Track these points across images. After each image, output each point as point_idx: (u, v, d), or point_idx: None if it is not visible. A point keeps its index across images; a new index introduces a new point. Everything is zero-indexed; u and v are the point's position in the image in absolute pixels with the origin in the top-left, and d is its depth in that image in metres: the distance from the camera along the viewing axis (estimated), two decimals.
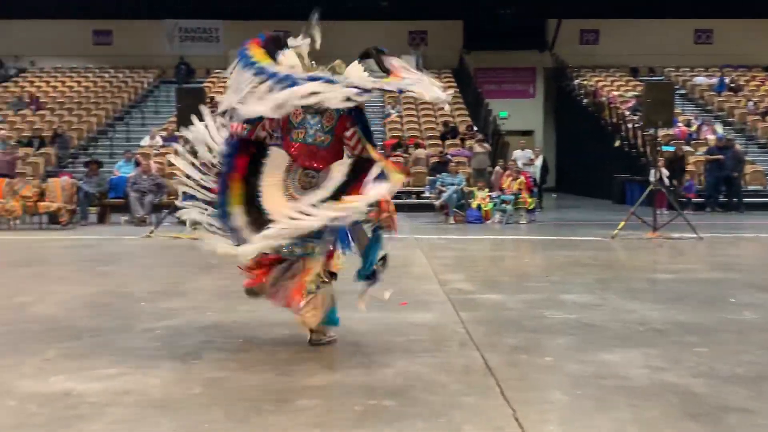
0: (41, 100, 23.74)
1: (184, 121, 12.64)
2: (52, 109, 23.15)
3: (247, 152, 4.35)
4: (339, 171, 4.26)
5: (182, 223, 12.30)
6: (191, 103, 12.24)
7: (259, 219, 4.18)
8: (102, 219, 14.80)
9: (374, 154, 4.21)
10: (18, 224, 13.63)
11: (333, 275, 4.51)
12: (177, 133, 19.27)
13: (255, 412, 3.32)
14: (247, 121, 4.31)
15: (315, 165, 4.29)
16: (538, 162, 19.60)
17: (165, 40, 28.28)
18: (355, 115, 4.31)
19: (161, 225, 12.08)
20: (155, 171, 15.36)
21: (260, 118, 4.26)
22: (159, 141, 19.59)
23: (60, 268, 8.37)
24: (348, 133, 4.34)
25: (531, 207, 14.85)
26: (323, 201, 4.09)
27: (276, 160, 4.31)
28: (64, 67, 27.51)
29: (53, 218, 13.60)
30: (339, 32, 27.60)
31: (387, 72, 4.29)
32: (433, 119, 22.49)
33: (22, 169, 16.36)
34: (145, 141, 19.90)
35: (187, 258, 9.15)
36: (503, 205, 14.60)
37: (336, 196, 4.11)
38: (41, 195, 13.74)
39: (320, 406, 3.41)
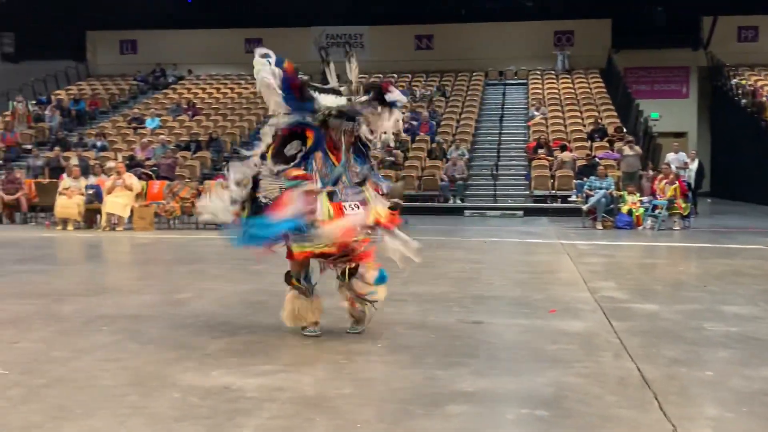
0: (197, 106, 25.02)
1: None
2: (208, 115, 24.34)
3: None
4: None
5: None
6: None
7: None
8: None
9: None
10: (176, 224, 14.39)
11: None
12: None
13: (406, 414, 3.32)
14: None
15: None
16: (693, 165, 18.66)
17: (312, 47, 29.06)
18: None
19: None
20: None
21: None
22: None
23: (215, 267, 8.75)
24: None
25: (686, 213, 14.14)
26: None
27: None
28: (219, 74, 28.87)
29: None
30: (482, 34, 27.57)
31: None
32: (580, 120, 21.93)
33: (181, 172, 17.27)
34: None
35: None
36: (656, 211, 13.99)
37: None
38: (198, 196, 14.45)
39: (470, 412, 3.37)
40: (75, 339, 4.73)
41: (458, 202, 17.87)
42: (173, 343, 4.66)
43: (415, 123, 21.20)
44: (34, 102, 25.04)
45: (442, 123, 21.89)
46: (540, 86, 25.13)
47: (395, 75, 26.67)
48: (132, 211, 13.76)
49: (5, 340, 4.66)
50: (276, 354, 4.40)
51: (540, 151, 19.17)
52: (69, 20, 28.28)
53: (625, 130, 20.36)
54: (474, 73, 26.48)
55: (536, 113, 22.24)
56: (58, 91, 27.02)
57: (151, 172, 16.49)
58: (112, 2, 27.06)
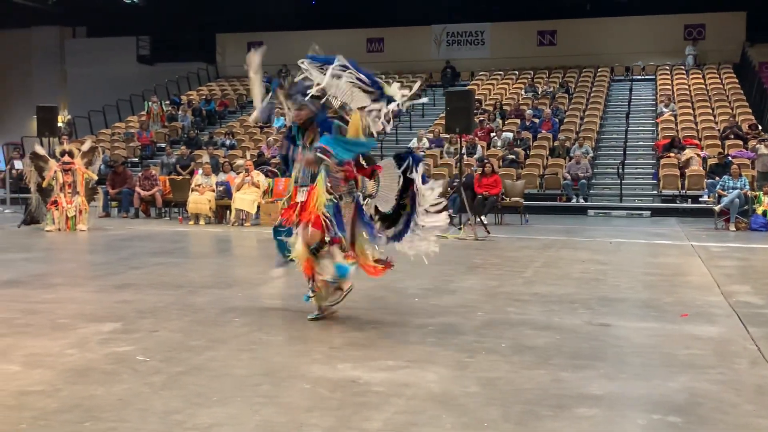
0: None
1: (453, 123, 12.99)
2: (335, 112, 24.86)
3: None
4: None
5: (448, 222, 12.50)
6: (460, 105, 12.55)
7: None
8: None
9: None
10: None
11: None
12: (443, 135, 19.82)
13: (533, 416, 3.29)
14: None
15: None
16: None
17: (432, 45, 29.17)
18: None
19: None
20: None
21: None
22: (426, 143, 20.26)
23: None
24: None
25: None
26: None
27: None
28: None
29: None
30: (608, 29, 26.81)
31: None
32: (712, 117, 20.98)
33: None
34: (413, 143, 20.67)
35: (453, 257, 9.34)
36: None
37: None
38: None
39: (600, 416, 3.31)
40: (210, 329, 4.94)
41: (581, 201, 17.48)
42: (301, 336, 4.80)
43: (537, 120, 20.88)
44: (167, 102, 26.28)
45: (566, 120, 21.46)
46: (669, 82, 24.21)
47: (516, 72, 26.39)
48: (259, 207, 14.22)
49: (146, 329, 4.93)
50: (400, 350, 4.45)
51: (670, 149, 18.47)
52: (200, 24, 29.55)
53: (760, 127, 19.34)
54: (599, 69, 25.81)
55: (665, 110, 21.45)
56: (189, 92, 28.28)
57: (277, 170, 16.99)
58: (240, 5, 28.04)
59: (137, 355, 4.23)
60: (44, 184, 12.59)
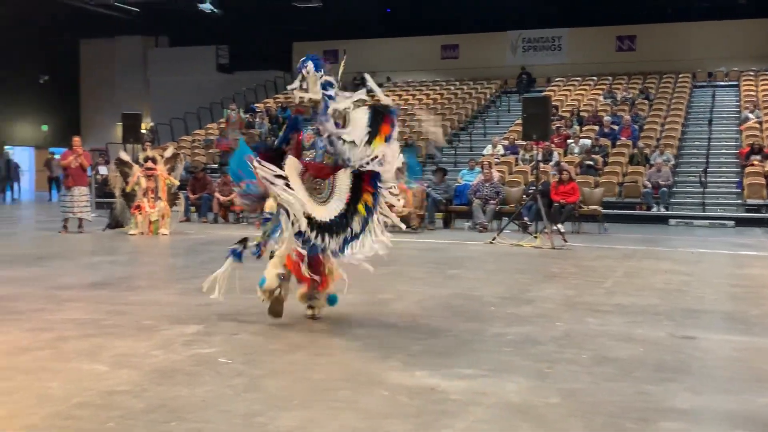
0: None
1: (530, 130, 12.86)
2: (404, 121, 24.89)
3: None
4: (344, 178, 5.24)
5: (524, 230, 12.41)
6: (537, 111, 12.41)
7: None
8: (447, 224, 15.55)
9: None
10: None
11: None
12: (518, 142, 19.62)
13: (615, 428, 3.23)
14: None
15: (321, 176, 5.27)
16: None
17: (508, 51, 28.93)
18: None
19: (503, 232, 12.33)
20: (496, 179, 15.77)
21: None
22: (500, 150, 20.10)
23: (413, 269, 8.91)
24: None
25: None
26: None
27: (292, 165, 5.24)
28: (415, 81, 29.46)
29: (405, 222, 14.57)
30: (690, 34, 26.11)
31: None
32: None
33: None
34: (487, 150, 20.53)
35: (530, 266, 9.25)
36: None
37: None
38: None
39: (685, 431, 3.21)
40: (288, 333, 5.01)
41: (662, 210, 17.03)
42: (378, 342, 4.82)
43: (616, 127, 20.47)
44: (245, 110, 26.81)
45: (645, 127, 20.97)
46: (754, 87, 23.39)
47: (594, 77, 25.94)
48: None
49: (227, 332, 5.03)
50: (478, 358, 4.42)
51: (754, 156, 17.85)
52: (277, 33, 30.04)
53: None
54: (680, 75, 25.12)
55: (750, 116, 20.73)
56: (266, 99, 28.77)
57: None
58: (316, 14, 28.41)
59: (219, 358, 4.32)
60: (128, 189, 12.99)
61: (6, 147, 28.76)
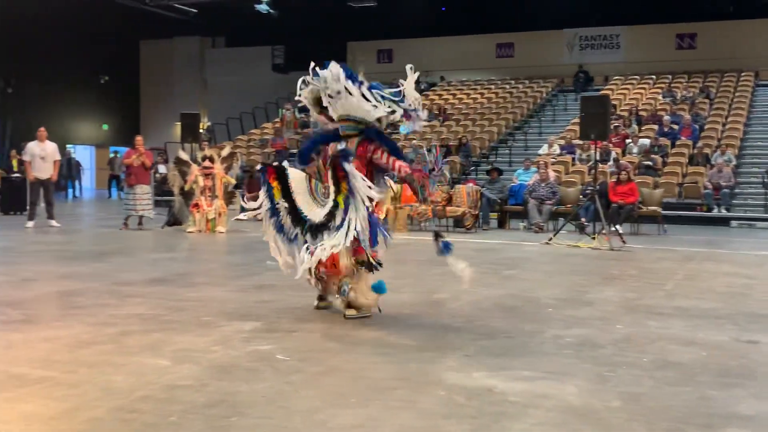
0: (448, 112, 25.59)
1: (587, 129, 12.67)
2: (458, 120, 24.79)
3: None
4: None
5: (581, 231, 12.23)
6: (595, 110, 12.22)
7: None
8: (502, 224, 15.43)
9: (396, 164, 5.65)
10: (428, 226, 14.79)
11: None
12: (575, 141, 19.37)
13: None
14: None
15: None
16: None
17: (564, 50, 28.58)
18: (378, 139, 5.69)
19: (559, 233, 12.18)
20: (553, 179, 15.59)
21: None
22: (556, 149, 19.86)
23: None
24: (372, 148, 5.62)
25: None
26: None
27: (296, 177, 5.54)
28: (470, 80, 29.31)
29: (458, 222, 14.54)
30: (753, 31, 25.42)
31: None
32: None
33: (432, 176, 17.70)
34: (543, 149, 20.32)
35: (587, 267, 9.12)
36: None
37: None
38: (449, 200, 14.77)
39: None
40: (345, 331, 5.03)
41: (723, 211, 16.63)
42: (434, 342, 4.80)
43: (676, 126, 20.05)
44: (300, 109, 27.03)
45: (706, 127, 20.50)
46: None
47: (653, 76, 25.46)
48: (387, 212, 14.35)
49: (284, 329, 5.07)
50: (536, 360, 4.37)
51: None
52: (332, 32, 30.21)
53: None
54: (742, 74, 24.49)
55: None
56: None
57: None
58: (371, 14, 28.49)
59: (277, 354, 4.36)
60: (186, 188, 13.22)
61: (68, 146, 29.54)
